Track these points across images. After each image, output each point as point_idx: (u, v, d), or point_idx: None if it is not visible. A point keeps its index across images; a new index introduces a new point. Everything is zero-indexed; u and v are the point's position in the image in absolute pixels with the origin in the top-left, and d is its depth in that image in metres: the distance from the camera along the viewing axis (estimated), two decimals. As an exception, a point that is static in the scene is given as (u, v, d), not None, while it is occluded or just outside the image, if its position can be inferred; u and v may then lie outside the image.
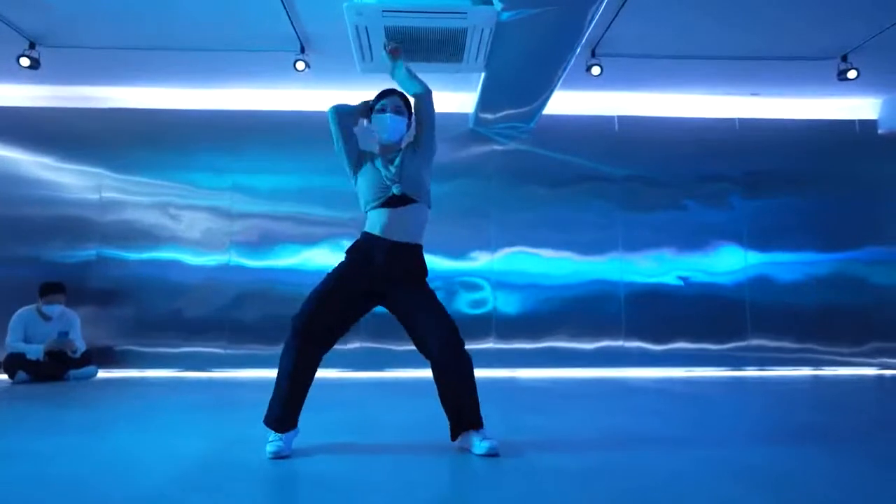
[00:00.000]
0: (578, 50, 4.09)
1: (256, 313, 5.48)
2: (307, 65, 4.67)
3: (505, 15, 3.57)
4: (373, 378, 5.00)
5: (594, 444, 2.37)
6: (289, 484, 1.84)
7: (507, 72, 4.44)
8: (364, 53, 4.04)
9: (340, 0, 3.85)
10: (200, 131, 5.63)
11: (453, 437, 2.26)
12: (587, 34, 3.87)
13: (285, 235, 5.60)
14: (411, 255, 2.31)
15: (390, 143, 2.41)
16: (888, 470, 1.96)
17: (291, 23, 4.29)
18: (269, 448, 2.12)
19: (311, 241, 5.59)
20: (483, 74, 4.58)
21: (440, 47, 3.94)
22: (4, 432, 2.63)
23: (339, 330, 2.28)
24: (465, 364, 2.23)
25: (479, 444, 2.16)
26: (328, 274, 2.31)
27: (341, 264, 2.32)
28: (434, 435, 2.45)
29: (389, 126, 2.38)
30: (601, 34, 4.47)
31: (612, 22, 4.28)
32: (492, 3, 3.50)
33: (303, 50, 4.66)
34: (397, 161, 2.34)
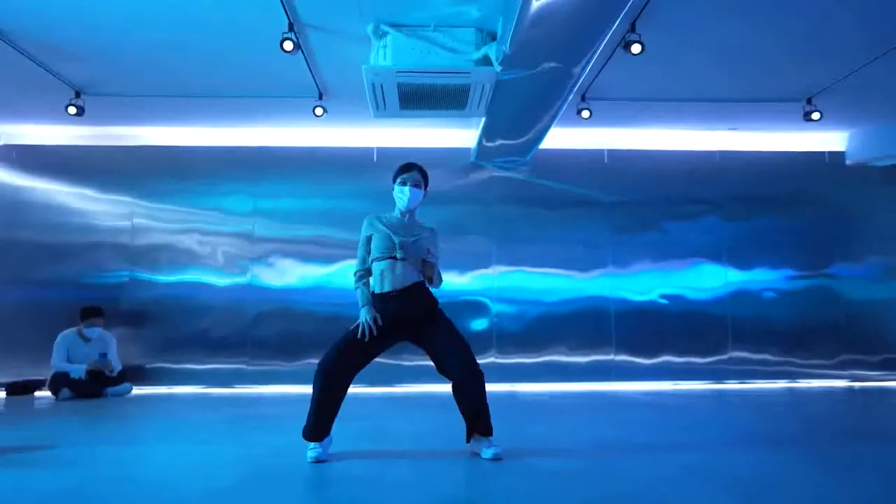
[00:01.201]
0: (570, 97, 4.59)
1: (277, 331, 5.95)
2: (325, 110, 5.17)
3: (503, 75, 4.07)
4: (384, 393, 5.48)
5: (588, 450, 2.84)
6: (325, 485, 2.31)
7: (506, 115, 4.94)
8: (378, 104, 4.54)
9: (358, 57, 4.38)
10: (224, 165, 6.12)
11: (468, 440, 2.76)
12: (578, 85, 4.38)
13: (303, 257, 6.08)
14: (418, 294, 2.79)
15: (407, 211, 2.91)
16: (857, 472, 2.39)
17: (312, 75, 4.79)
18: (310, 454, 2.61)
19: (328, 262, 6.07)
20: (484, 118, 5.09)
21: (447, 99, 4.45)
22: (62, 443, 3.08)
23: (363, 364, 2.78)
24: (480, 383, 2.73)
25: (486, 450, 2.66)
26: (355, 325, 2.75)
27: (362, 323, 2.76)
28: (444, 442, 2.93)
29: (408, 196, 2.85)
30: (590, 82, 4.97)
31: (599, 72, 4.79)
32: (492, 65, 4.00)
33: (321, 97, 5.16)
34: (415, 236, 2.81)
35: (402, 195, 2.87)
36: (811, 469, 2.47)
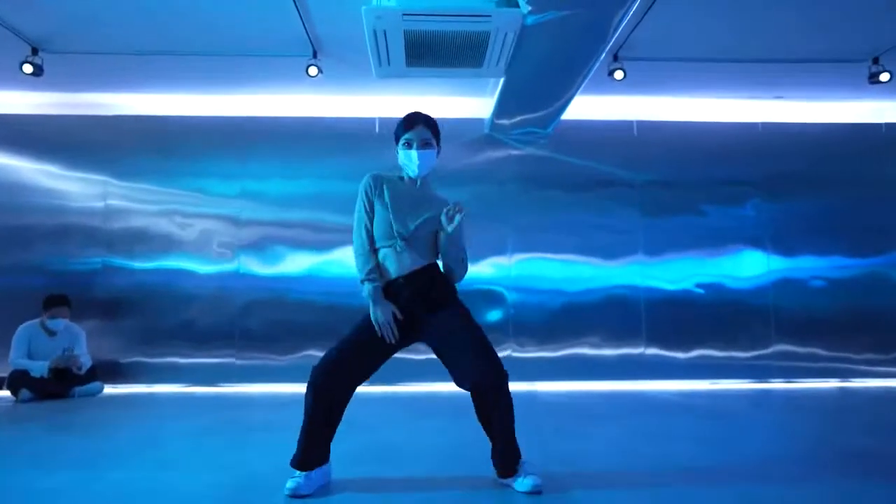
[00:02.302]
0: (602, 56, 3.94)
1: (267, 323, 5.33)
2: (320, 70, 4.51)
3: (531, 18, 3.41)
4: (385, 393, 4.85)
5: (631, 476, 2.24)
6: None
7: (527, 77, 4.28)
8: (381, 58, 3.88)
9: (356, 2, 3.71)
10: (208, 138, 5.47)
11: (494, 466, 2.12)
12: (615, 38, 3.72)
13: (296, 243, 5.45)
14: (430, 277, 2.18)
15: (416, 178, 2.26)
16: None
17: (304, 25, 4.13)
18: (288, 486, 2.00)
19: (322, 248, 5.44)
20: (502, 80, 4.43)
21: (461, 52, 3.79)
22: (2, 462, 2.49)
23: (368, 375, 2.15)
24: (503, 394, 2.06)
25: (521, 482, 2.02)
26: (358, 326, 2.16)
27: (367, 319, 2.15)
28: (463, 464, 2.30)
29: (418, 162, 2.19)
30: (625, 38, 4.31)
31: (637, 25, 4.12)
32: (517, 6, 3.34)
33: (315, 55, 4.50)
34: (422, 215, 2.20)
35: (409, 161, 2.21)
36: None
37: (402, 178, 2.29)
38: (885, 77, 4.52)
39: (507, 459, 2.08)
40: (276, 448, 2.68)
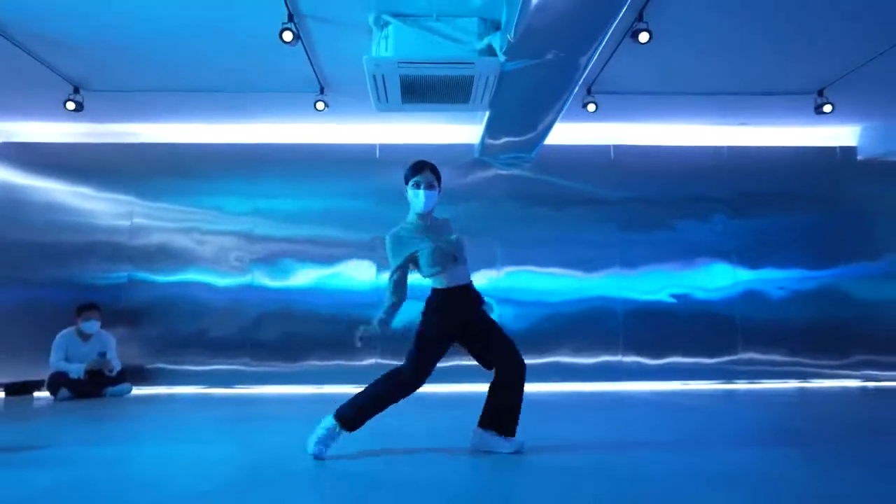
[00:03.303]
0: (575, 90, 4.49)
1: (277, 332, 5.85)
2: (326, 104, 5.08)
3: (508, 65, 3.97)
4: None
5: (593, 447, 2.76)
6: (328, 482, 2.20)
7: (510, 109, 4.84)
8: (380, 96, 4.45)
9: (358, 49, 4.30)
10: (223, 162, 6.04)
11: (481, 425, 2.71)
12: (584, 77, 4.28)
13: (304, 257, 5.98)
14: (474, 287, 2.82)
15: (425, 213, 2.78)
16: (861, 470, 2.30)
17: (313, 68, 4.71)
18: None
19: (328, 263, 5.98)
20: (487, 112, 4.99)
21: (449, 91, 4.35)
22: (59, 442, 3.01)
23: None
24: (524, 375, 2.69)
25: (506, 443, 2.64)
26: (439, 334, 2.66)
27: (446, 324, 2.66)
28: (450, 439, 2.82)
29: (424, 200, 2.73)
30: (596, 75, 4.87)
31: (605, 64, 4.69)
32: (496, 55, 3.91)
33: (322, 91, 5.08)
34: (453, 237, 2.76)
35: (417, 199, 2.74)
36: (819, 466, 2.35)
37: (413, 222, 2.78)
38: (827, 108, 5.06)
39: (514, 416, 2.68)
40: (283, 430, 3.19)
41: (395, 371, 2.68)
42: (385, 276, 2.89)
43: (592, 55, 3.94)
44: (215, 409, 4.40)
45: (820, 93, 5.12)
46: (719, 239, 6.13)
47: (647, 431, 3.20)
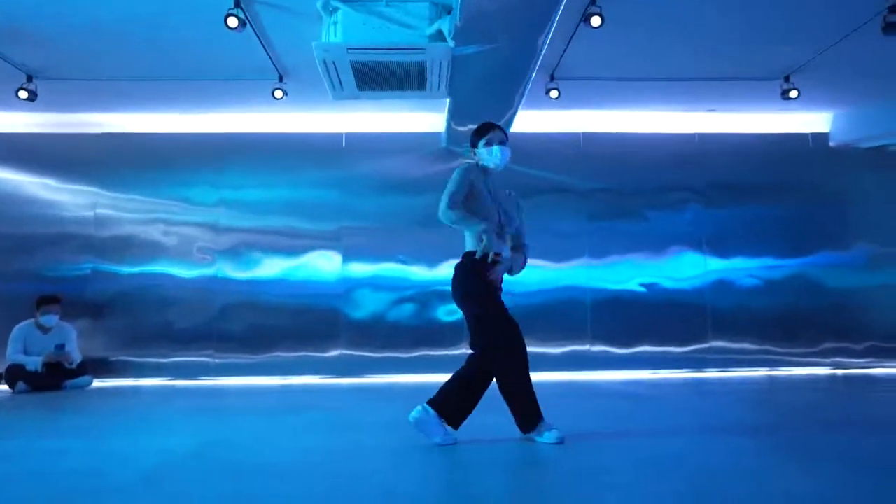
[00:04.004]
0: (534, 75, 4.42)
1: (242, 324, 5.80)
2: (285, 93, 5.00)
3: (458, 51, 3.90)
4: (352, 384, 5.33)
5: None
6: (282, 474, 2.16)
7: (470, 96, 4.77)
8: (335, 84, 4.38)
9: (313, 36, 4.21)
10: (188, 152, 5.97)
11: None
12: (539, 61, 4.21)
13: (270, 248, 5.92)
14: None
15: (497, 170, 2.78)
16: (822, 462, 2.22)
17: (269, 55, 4.63)
18: (553, 436, 2.50)
19: (294, 253, 5.92)
20: (448, 100, 4.91)
21: (404, 78, 4.28)
22: (14, 435, 2.97)
23: None
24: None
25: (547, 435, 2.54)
26: (491, 297, 2.63)
27: (489, 286, 2.62)
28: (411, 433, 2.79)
29: (498, 157, 2.73)
30: (557, 60, 4.79)
31: (565, 50, 4.61)
32: (446, 41, 3.83)
33: (281, 79, 4.99)
34: (509, 211, 2.77)
35: (492, 155, 2.72)
36: (753, 456, 2.31)
37: (483, 175, 2.75)
38: (793, 94, 4.99)
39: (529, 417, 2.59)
40: (240, 424, 3.16)
41: (482, 355, 2.62)
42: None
43: (546, 39, 3.88)
44: (177, 401, 4.37)
45: (786, 78, 5.05)
46: (690, 227, 6.08)
47: (591, 421, 3.16)
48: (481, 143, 2.76)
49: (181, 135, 5.97)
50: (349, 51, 3.87)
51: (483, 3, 3.42)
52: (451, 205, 2.57)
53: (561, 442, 2.47)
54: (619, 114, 6.06)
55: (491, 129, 2.78)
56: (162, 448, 2.58)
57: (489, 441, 2.64)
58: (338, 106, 5.75)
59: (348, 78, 4.26)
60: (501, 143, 2.75)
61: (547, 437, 2.51)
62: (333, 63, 4.04)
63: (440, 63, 4.04)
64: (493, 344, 2.60)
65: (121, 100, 5.53)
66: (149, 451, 2.51)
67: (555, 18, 3.59)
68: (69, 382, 5.10)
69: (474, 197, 2.64)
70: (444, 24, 3.81)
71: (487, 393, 2.67)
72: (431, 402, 2.57)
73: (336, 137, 6.05)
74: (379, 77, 4.25)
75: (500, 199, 2.77)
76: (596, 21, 3.80)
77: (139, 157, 5.95)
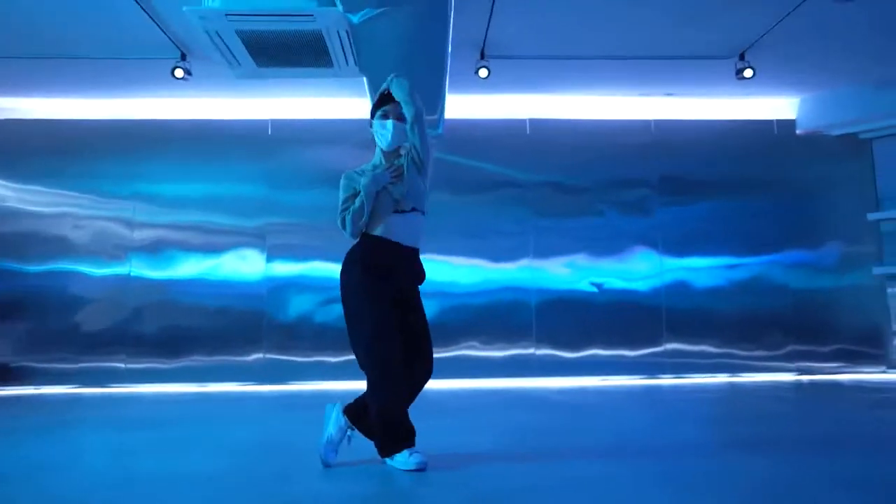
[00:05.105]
0: (450, 48, 3.96)
1: (156, 326, 5.33)
2: (187, 72, 4.53)
3: (354, 17, 3.44)
4: (274, 391, 4.85)
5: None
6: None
7: (387, 75, 4.29)
8: (229, 59, 3.91)
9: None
10: (98, 141, 5.49)
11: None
12: (453, 32, 3.75)
13: (188, 245, 5.46)
14: (419, 261, 2.40)
15: (391, 150, 2.40)
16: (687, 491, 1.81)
17: (162, 30, 4.16)
18: (414, 461, 2.17)
19: (214, 251, 5.45)
20: (365, 78, 4.44)
21: (303, 51, 3.81)
22: None
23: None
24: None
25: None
26: (362, 300, 2.25)
27: (367, 283, 2.25)
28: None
29: (392, 133, 2.35)
30: (483, 35, 4.33)
31: (489, 25, 4.15)
32: (335, 5, 3.37)
33: (184, 57, 4.53)
34: (406, 182, 2.34)
35: (384, 131, 2.37)
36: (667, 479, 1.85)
37: (375, 162, 2.43)
38: (748, 73, 4.53)
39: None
40: (80, 439, 2.69)
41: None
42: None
43: (449, 5, 3.42)
44: (79, 411, 3.89)
45: (741, 56, 4.58)
46: (644, 223, 5.61)
47: (491, 440, 2.73)
48: (375, 117, 2.44)
49: (91, 121, 5.50)
50: (229, 17, 3.40)
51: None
52: (340, 220, 2.34)
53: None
54: (568, 98, 5.59)
55: (385, 102, 2.43)
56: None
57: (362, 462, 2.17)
58: (262, 90, 5.31)
59: (241, 51, 3.80)
60: (398, 117, 2.39)
61: (412, 460, 2.18)
62: (217, 33, 3.57)
63: (337, 32, 3.57)
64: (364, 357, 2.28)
65: (18, 82, 5.06)
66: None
67: (454, -23, 3.13)
68: (-47, 392, 4.64)
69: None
70: (334, -13, 3.34)
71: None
72: (347, 409, 2.34)
73: (261, 124, 5.58)
74: (274, 50, 3.79)
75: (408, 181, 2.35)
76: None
77: (46, 145, 5.47)
